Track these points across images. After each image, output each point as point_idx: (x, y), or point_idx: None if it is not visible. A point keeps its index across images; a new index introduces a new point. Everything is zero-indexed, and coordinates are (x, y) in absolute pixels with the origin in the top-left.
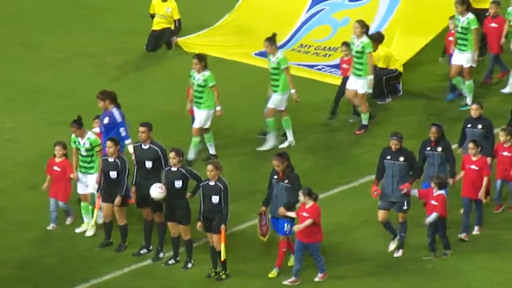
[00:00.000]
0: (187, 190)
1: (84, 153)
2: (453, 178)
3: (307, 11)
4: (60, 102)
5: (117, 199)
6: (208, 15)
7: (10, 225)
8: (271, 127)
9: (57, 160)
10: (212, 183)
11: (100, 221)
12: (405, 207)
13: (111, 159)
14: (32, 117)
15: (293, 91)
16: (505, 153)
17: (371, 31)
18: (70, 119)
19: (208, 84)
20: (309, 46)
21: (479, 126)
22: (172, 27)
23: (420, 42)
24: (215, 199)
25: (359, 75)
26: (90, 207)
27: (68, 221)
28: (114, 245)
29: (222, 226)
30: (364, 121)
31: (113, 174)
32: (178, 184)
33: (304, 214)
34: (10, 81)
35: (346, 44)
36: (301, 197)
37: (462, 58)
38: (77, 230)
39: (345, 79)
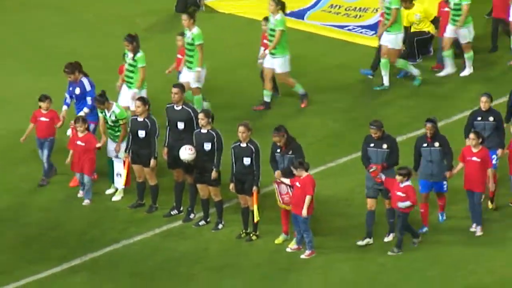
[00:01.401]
0: (215, 152)
1: (110, 123)
2: (450, 171)
3: None
4: (90, 63)
5: (152, 162)
6: None
7: (40, 187)
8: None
9: (80, 135)
10: (243, 145)
11: (119, 186)
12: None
13: (140, 119)
14: (63, 79)
15: (199, 69)
16: None
17: None
18: (101, 80)
19: (138, 65)
20: (339, 7)
21: (491, 119)
22: None
23: None
24: (246, 161)
25: (273, 54)
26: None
27: (80, 194)
28: (146, 206)
29: (254, 188)
30: (266, 98)
31: (141, 133)
32: (207, 146)
33: (297, 184)
34: (41, 45)
35: (266, 19)
36: (294, 171)
37: (388, 38)
38: (108, 192)
39: None
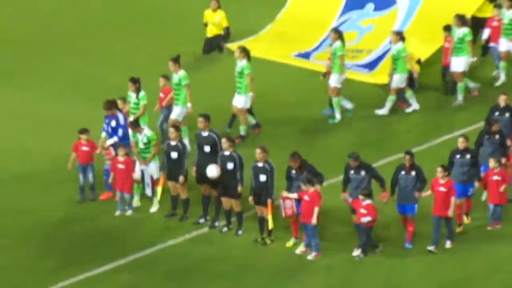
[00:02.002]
0: (238, 171)
1: (142, 146)
2: (419, 193)
3: (338, 19)
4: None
5: (181, 178)
6: (252, 22)
7: (92, 200)
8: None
9: (120, 159)
10: (260, 164)
11: (148, 193)
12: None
13: (173, 143)
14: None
15: (189, 105)
16: (495, 178)
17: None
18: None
19: (140, 103)
20: None
21: (468, 156)
22: (222, 33)
23: (435, 44)
24: (262, 178)
25: (239, 93)
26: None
27: (118, 213)
28: (178, 216)
29: (269, 200)
30: (242, 132)
31: (174, 154)
32: (230, 166)
33: (306, 197)
34: (94, 81)
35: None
36: (303, 187)
37: (332, 79)
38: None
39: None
